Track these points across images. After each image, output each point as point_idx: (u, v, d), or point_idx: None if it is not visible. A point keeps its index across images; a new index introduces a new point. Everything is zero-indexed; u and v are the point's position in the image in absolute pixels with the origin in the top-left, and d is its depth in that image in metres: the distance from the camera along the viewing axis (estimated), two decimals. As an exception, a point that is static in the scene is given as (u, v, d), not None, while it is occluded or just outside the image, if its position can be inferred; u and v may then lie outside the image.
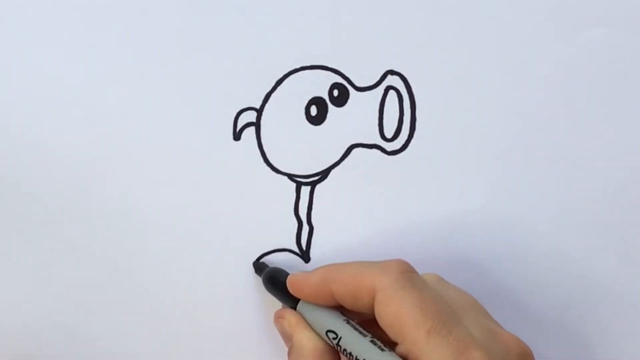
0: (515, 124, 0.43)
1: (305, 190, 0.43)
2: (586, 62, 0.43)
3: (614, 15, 0.42)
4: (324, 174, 0.43)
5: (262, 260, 0.43)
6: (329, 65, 0.42)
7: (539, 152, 0.43)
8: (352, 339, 0.37)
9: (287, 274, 0.40)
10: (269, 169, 0.42)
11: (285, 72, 0.42)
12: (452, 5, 0.42)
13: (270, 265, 0.42)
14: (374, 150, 0.43)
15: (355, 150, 0.43)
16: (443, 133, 0.43)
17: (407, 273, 0.37)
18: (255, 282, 0.43)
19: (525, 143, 0.43)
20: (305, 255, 0.43)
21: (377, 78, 0.42)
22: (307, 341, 0.38)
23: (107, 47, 0.41)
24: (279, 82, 0.42)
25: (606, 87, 0.43)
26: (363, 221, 0.43)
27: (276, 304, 0.42)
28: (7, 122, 0.41)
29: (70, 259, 0.42)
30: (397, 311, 0.36)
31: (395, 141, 0.43)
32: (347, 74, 0.42)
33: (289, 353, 0.39)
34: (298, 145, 0.42)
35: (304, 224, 0.43)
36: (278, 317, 0.40)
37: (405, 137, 0.43)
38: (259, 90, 0.42)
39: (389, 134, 0.43)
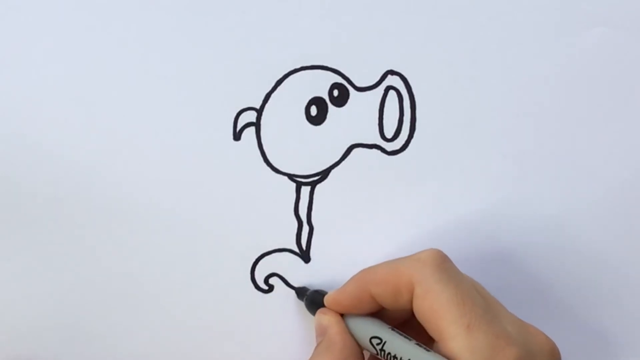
0: (515, 123, 0.43)
1: (305, 190, 0.43)
2: (586, 62, 0.43)
3: (614, 15, 0.42)
4: (324, 174, 0.43)
5: (304, 285, 0.43)
6: (329, 65, 0.42)
7: (539, 152, 0.43)
8: (397, 342, 0.37)
9: (324, 294, 0.41)
10: (269, 169, 0.42)
11: (285, 72, 0.42)
12: (452, 5, 0.42)
13: (302, 287, 0.43)
14: (374, 150, 0.43)
15: (355, 150, 0.43)
16: (443, 133, 0.43)
17: (443, 264, 0.37)
18: (255, 282, 0.43)
19: (526, 143, 0.43)
20: (305, 255, 0.43)
21: (377, 78, 0.42)
22: (340, 337, 0.38)
23: (107, 46, 0.41)
24: (279, 82, 0.42)
25: (606, 87, 0.43)
26: (363, 221, 0.43)
27: (276, 304, 0.42)
28: (7, 122, 0.41)
29: (70, 259, 0.42)
30: (435, 305, 0.35)
31: (395, 141, 0.43)
32: (347, 74, 0.42)
33: (316, 347, 0.39)
34: (298, 145, 0.42)
35: (304, 224, 0.43)
36: (320, 313, 0.40)
37: (405, 137, 0.43)
38: (259, 90, 0.42)
39: (389, 134, 0.43)
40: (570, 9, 0.42)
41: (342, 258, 0.43)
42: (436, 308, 0.35)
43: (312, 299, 0.42)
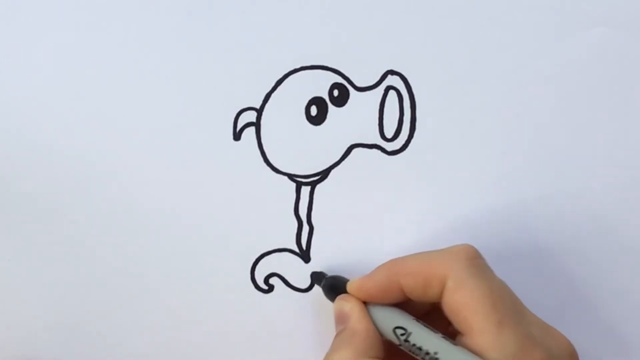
0: (515, 124, 0.43)
1: (305, 190, 0.43)
2: (586, 62, 0.43)
3: (614, 15, 0.42)
4: (324, 174, 0.43)
5: (320, 270, 0.42)
6: (329, 65, 0.42)
7: (539, 152, 0.43)
8: (424, 334, 0.37)
9: (344, 281, 0.40)
10: (269, 169, 0.42)
11: (285, 72, 0.42)
12: (452, 6, 0.42)
13: (322, 272, 0.42)
14: (374, 150, 0.43)
15: (355, 150, 0.43)
16: (443, 133, 0.43)
17: (476, 260, 0.37)
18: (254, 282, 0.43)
19: (526, 143, 0.43)
20: (305, 255, 0.43)
21: (377, 78, 0.42)
22: (364, 326, 0.38)
23: (107, 47, 0.41)
24: (279, 82, 0.42)
25: (606, 87, 0.43)
26: (363, 221, 0.43)
27: (276, 304, 0.42)
28: (7, 122, 0.41)
29: (70, 259, 0.42)
30: (467, 299, 0.35)
31: (395, 141, 0.43)
32: (347, 74, 0.42)
33: (337, 335, 0.39)
34: (298, 145, 0.42)
35: (304, 224, 0.43)
36: (341, 300, 0.39)
37: (405, 137, 0.43)
38: (259, 90, 0.42)
39: (389, 134, 0.43)
40: (570, 9, 0.42)
41: (342, 258, 0.43)
42: (468, 302, 0.35)
43: (332, 284, 0.41)
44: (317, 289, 0.43)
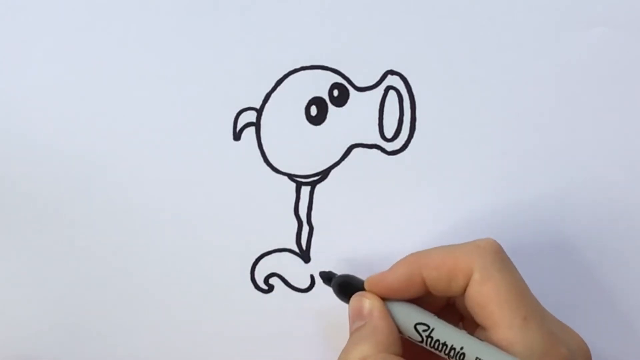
0: (515, 124, 0.43)
1: (305, 190, 0.43)
2: (586, 62, 0.43)
3: (614, 15, 0.42)
4: (324, 174, 0.43)
5: (330, 270, 0.42)
6: (329, 65, 0.42)
7: (539, 152, 0.43)
8: (447, 330, 0.36)
9: (357, 279, 0.40)
10: (269, 169, 0.42)
11: (285, 72, 0.42)
12: (452, 6, 0.42)
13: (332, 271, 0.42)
14: (374, 150, 0.43)
15: (355, 150, 0.43)
16: (443, 133, 0.43)
17: (501, 253, 0.37)
18: (254, 282, 0.43)
19: (525, 143, 0.43)
20: (305, 255, 0.43)
21: (377, 78, 0.42)
22: (385, 322, 0.37)
23: (107, 47, 0.41)
24: (279, 82, 0.42)
25: (606, 87, 0.43)
26: (363, 221, 0.43)
27: (276, 304, 0.42)
28: (7, 122, 0.41)
29: (70, 259, 0.42)
30: (494, 292, 0.35)
31: (395, 141, 0.43)
32: (347, 74, 0.42)
33: (357, 330, 0.38)
34: (298, 145, 0.42)
35: (304, 224, 0.43)
36: (361, 296, 0.39)
37: (405, 137, 0.43)
38: (259, 90, 0.42)
39: (389, 134, 0.43)
40: (570, 9, 0.42)
41: (342, 258, 0.43)
42: (495, 295, 0.35)
43: (344, 282, 0.40)
44: (317, 289, 0.43)
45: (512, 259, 0.38)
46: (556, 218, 0.43)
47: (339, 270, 0.42)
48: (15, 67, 0.41)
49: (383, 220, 0.43)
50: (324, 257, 0.43)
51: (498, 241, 0.38)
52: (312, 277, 0.43)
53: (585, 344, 0.37)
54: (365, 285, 0.39)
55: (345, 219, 0.43)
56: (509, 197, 0.43)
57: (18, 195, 0.41)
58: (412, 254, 0.38)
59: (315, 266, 0.43)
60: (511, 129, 0.43)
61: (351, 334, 0.38)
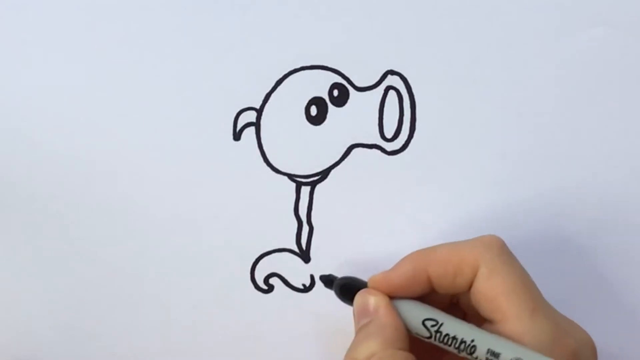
0: (515, 123, 0.43)
1: (305, 190, 0.43)
2: (586, 62, 0.43)
3: (614, 15, 0.42)
4: (324, 174, 0.43)
5: (330, 274, 0.42)
6: (329, 65, 0.42)
7: (539, 152, 0.43)
8: (456, 324, 0.36)
9: (359, 280, 0.39)
10: (269, 169, 0.42)
11: (285, 72, 0.42)
12: (452, 6, 0.42)
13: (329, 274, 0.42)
14: (374, 150, 0.43)
15: (355, 150, 0.43)
16: (443, 133, 0.43)
17: (506, 248, 0.37)
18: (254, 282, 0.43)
19: (525, 143, 0.43)
20: (305, 255, 0.43)
21: (377, 78, 0.42)
22: (391, 319, 0.37)
23: (107, 46, 0.41)
24: (279, 82, 0.42)
25: (606, 87, 0.43)
26: (363, 221, 0.43)
27: (276, 304, 0.42)
28: (7, 122, 0.41)
29: (70, 259, 0.42)
30: (501, 285, 0.35)
31: (395, 141, 0.43)
32: (347, 74, 0.42)
33: (363, 327, 0.38)
34: (298, 145, 0.42)
35: (304, 224, 0.43)
36: (366, 293, 0.38)
37: (405, 137, 0.43)
38: (259, 90, 0.42)
39: (389, 134, 0.43)
40: (570, 9, 0.42)
41: (342, 258, 0.43)
42: (502, 288, 0.35)
43: (346, 284, 0.40)
44: (317, 289, 0.43)
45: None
46: (556, 218, 0.43)
47: (339, 272, 0.42)
48: (15, 67, 0.41)
49: (383, 220, 0.43)
50: (324, 257, 0.43)
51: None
52: (312, 277, 0.43)
53: (590, 337, 0.37)
54: (369, 285, 0.39)
55: (345, 219, 0.43)
56: (509, 196, 0.43)
57: (18, 195, 0.41)
58: (416, 251, 0.39)
59: (315, 266, 0.43)
60: (511, 129, 0.43)
61: (357, 331, 0.38)
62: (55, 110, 0.41)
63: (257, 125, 0.42)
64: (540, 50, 0.42)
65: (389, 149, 0.43)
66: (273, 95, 0.42)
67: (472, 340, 0.35)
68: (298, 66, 0.42)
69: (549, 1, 0.42)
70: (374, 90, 0.42)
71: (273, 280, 0.43)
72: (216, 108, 0.42)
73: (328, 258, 0.43)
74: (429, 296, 0.38)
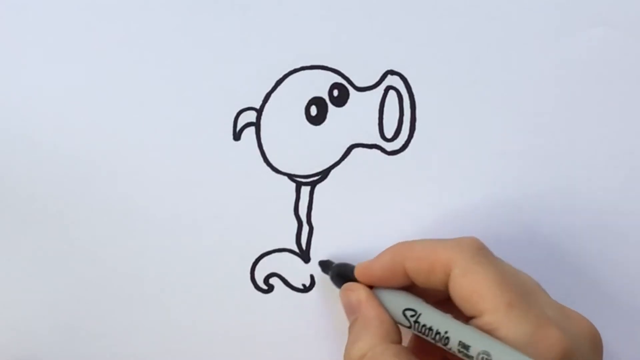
0: (515, 123, 0.43)
1: (305, 190, 0.43)
2: (586, 62, 0.43)
3: (614, 15, 0.42)
4: (324, 174, 0.43)
5: (328, 259, 0.42)
6: (329, 65, 0.42)
7: (539, 152, 0.43)
8: (434, 315, 0.36)
9: (350, 267, 0.40)
10: (269, 169, 0.42)
11: (285, 72, 0.42)
12: (452, 6, 0.42)
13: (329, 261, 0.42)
14: (374, 150, 0.43)
15: (355, 150, 0.43)
16: (443, 133, 0.43)
17: (481, 250, 0.37)
18: (254, 282, 0.43)
19: (525, 143, 0.43)
20: (305, 255, 0.43)
21: (377, 78, 0.42)
22: (375, 312, 0.38)
23: (107, 46, 0.41)
24: (279, 82, 0.42)
25: (606, 87, 0.43)
26: (363, 221, 0.43)
27: (276, 304, 0.42)
28: (7, 122, 0.41)
29: (70, 259, 0.42)
30: (475, 284, 0.35)
31: (395, 141, 0.43)
32: (347, 74, 0.42)
33: (352, 326, 0.38)
34: (298, 145, 0.42)
35: (304, 224, 0.43)
36: (346, 290, 0.39)
37: (405, 137, 0.43)
38: (259, 90, 0.42)
39: (389, 134, 0.43)
40: (570, 9, 0.42)
41: (342, 258, 0.43)
42: (475, 287, 0.35)
43: (339, 271, 0.41)
44: (317, 289, 0.43)
45: (512, 258, 0.38)
46: (556, 217, 0.43)
47: (339, 271, 0.42)
48: (16, 67, 0.41)
49: (383, 220, 0.43)
50: (324, 257, 0.43)
51: (497, 240, 0.38)
52: (312, 277, 0.43)
53: (593, 327, 0.37)
54: (355, 273, 0.40)
55: (345, 218, 0.43)
56: (508, 196, 0.43)
57: (18, 195, 0.41)
58: (398, 244, 0.39)
59: (315, 266, 0.43)
60: (511, 129, 0.43)
61: (348, 329, 0.39)
62: (55, 110, 0.41)
63: (257, 125, 0.42)
64: (540, 50, 0.42)
65: (389, 149, 0.43)
66: (273, 95, 0.42)
67: (446, 332, 0.35)
68: (298, 66, 0.42)
69: (549, 1, 0.42)
70: (374, 90, 0.42)
71: (273, 280, 0.43)
72: (216, 108, 0.42)
73: (328, 258, 0.43)
74: (427, 290, 0.38)
